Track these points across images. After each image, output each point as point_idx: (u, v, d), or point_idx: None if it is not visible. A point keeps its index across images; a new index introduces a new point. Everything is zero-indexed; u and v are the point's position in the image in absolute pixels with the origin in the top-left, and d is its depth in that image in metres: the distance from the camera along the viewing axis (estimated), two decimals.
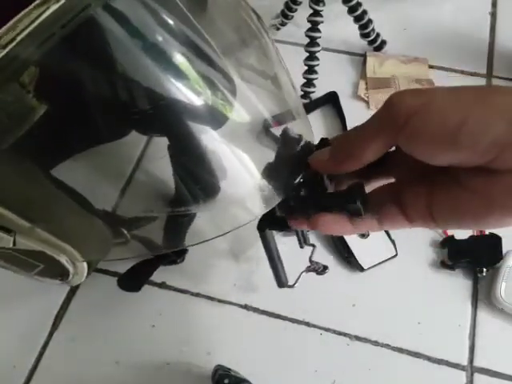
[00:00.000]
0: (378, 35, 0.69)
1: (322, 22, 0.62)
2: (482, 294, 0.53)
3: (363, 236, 0.55)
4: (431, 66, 0.70)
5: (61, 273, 0.40)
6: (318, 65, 0.64)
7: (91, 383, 0.50)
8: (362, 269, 0.54)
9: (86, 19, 0.27)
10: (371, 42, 0.70)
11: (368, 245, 0.54)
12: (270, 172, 0.32)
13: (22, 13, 0.25)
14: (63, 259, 0.38)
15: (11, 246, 0.34)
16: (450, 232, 0.55)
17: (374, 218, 0.28)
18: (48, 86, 0.30)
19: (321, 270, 0.44)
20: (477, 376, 0.49)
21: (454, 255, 0.53)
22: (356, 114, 0.64)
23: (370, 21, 0.67)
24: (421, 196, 0.26)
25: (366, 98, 0.67)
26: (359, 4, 0.64)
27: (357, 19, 0.66)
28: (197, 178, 0.37)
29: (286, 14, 0.71)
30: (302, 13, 0.64)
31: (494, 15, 0.75)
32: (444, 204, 0.25)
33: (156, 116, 0.36)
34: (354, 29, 0.68)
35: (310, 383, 0.49)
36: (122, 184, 0.44)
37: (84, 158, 0.39)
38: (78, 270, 0.40)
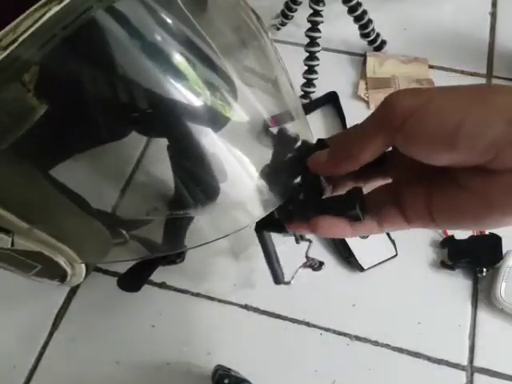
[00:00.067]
0: (377, 35, 0.69)
1: (322, 22, 0.62)
2: (482, 294, 0.53)
3: (363, 236, 0.55)
4: (431, 66, 0.70)
5: (59, 274, 0.40)
6: (318, 65, 0.64)
7: (91, 383, 0.50)
8: (362, 269, 0.54)
9: (88, 21, 0.27)
10: (371, 42, 0.70)
11: (368, 245, 0.54)
12: (268, 173, 0.32)
13: (24, 14, 0.25)
14: (61, 260, 0.38)
15: (9, 246, 0.34)
16: (449, 232, 0.55)
17: (374, 220, 0.28)
18: (49, 86, 0.30)
19: (317, 266, 0.44)
20: (477, 376, 0.49)
21: (454, 255, 0.53)
22: (356, 114, 0.63)
23: (369, 21, 0.67)
24: (419, 196, 0.26)
25: (366, 98, 0.67)
26: (359, 4, 0.64)
27: (357, 19, 0.66)
28: (196, 179, 0.37)
29: (285, 14, 0.71)
30: (302, 13, 0.64)
31: (494, 15, 0.75)
32: (443, 204, 0.25)
33: (155, 116, 0.36)
34: (354, 29, 0.68)
35: (309, 383, 0.49)
36: (122, 185, 0.44)
37: (83, 158, 0.39)
38: (75, 271, 0.40)
